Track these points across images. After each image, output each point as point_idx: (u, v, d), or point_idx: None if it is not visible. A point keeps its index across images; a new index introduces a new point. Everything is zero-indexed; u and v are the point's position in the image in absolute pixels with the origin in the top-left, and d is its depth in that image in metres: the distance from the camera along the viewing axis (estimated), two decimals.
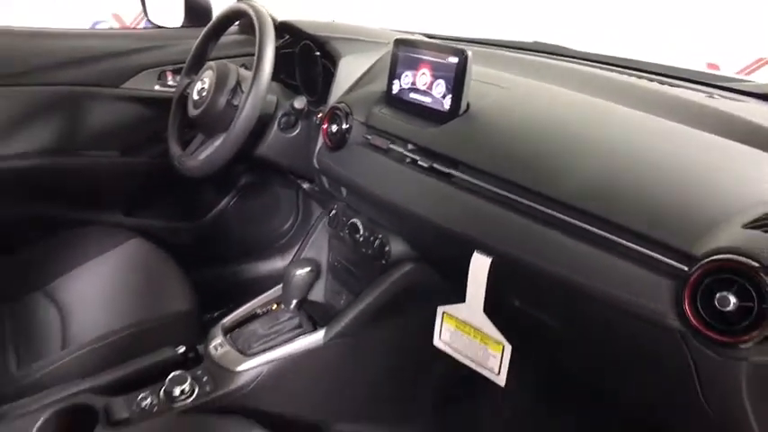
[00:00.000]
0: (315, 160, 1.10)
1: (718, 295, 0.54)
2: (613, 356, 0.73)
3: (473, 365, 0.86)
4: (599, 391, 0.85)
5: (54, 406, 0.90)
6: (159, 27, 1.59)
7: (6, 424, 0.88)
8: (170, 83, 1.48)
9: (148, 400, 0.91)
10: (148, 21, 1.62)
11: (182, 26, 1.57)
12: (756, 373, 0.55)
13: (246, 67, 1.21)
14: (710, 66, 2.40)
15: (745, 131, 0.72)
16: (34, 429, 0.85)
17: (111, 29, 1.56)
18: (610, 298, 0.63)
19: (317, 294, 1.15)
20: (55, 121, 1.42)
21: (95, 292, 1.18)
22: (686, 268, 0.58)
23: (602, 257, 0.65)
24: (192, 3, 1.56)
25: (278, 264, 1.73)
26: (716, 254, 0.56)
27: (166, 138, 1.29)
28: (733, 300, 0.54)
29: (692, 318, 0.56)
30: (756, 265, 0.53)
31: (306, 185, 1.41)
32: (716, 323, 0.55)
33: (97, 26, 3.14)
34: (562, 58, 1.17)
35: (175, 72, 1.49)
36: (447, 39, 1.41)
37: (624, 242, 0.63)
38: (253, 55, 1.48)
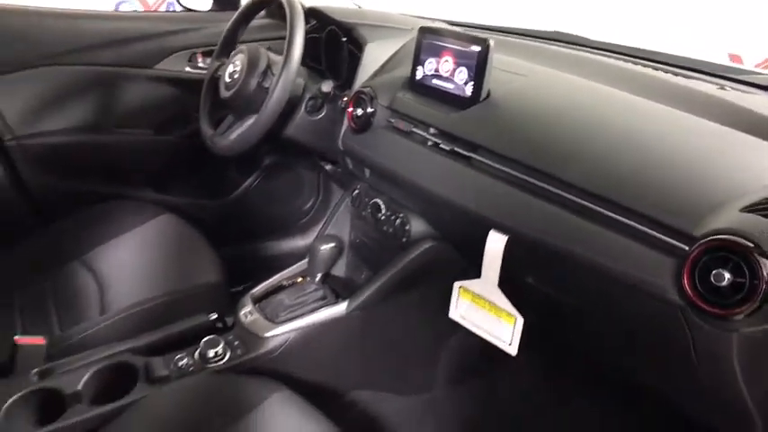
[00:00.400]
0: (340, 142, 1.16)
1: (714, 272, 0.60)
2: (617, 328, 0.79)
3: (486, 336, 0.92)
4: (603, 361, 0.90)
5: (98, 364, 0.97)
6: (189, 10, 1.65)
7: (54, 379, 0.96)
8: (200, 65, 1.54)
9: (185, 360, 0.98)
10: (179, 3, 1.67)
11: (210, 10, 1.62)
12: (746, 342, 0.60)
13: (272, 50, 1.27)
14: (732, 56, 2.40)
15: (750, 122, 0.76)
16: (80, 384, 0.93)
17: (145, 12, 1.62)
18: (616, 274, 0.69)
19: (339, 269, 1.22)
20: (91, 99, 1.49)
21: (130, 262, 1.25)
22: (687, 247, 0.63)
23: (610, 237, 0.70)
24: None
25: (299, 242, 1.80)
26: (714, 234, 0.61)
27: (196, 117, 1.35)
28: (727, 276, 0.59)
29: (690, 292, 0.62)
30: (750, 244, 0.58)
31: (328, 167, 1.47)
32: (711, 297, 0.60)
33: (120, 6, 3.21)
34: (580, 47, 1.21)
35: (205, 54, 1.55)
36: (469, 26, 1.46)
37: (631, 223, 0.69)
38: (278, 39, 1.54)
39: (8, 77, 1.40)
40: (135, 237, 1.31)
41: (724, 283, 0.59)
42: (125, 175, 1.58)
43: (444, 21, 1.47)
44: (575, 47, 1.22)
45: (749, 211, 0.61)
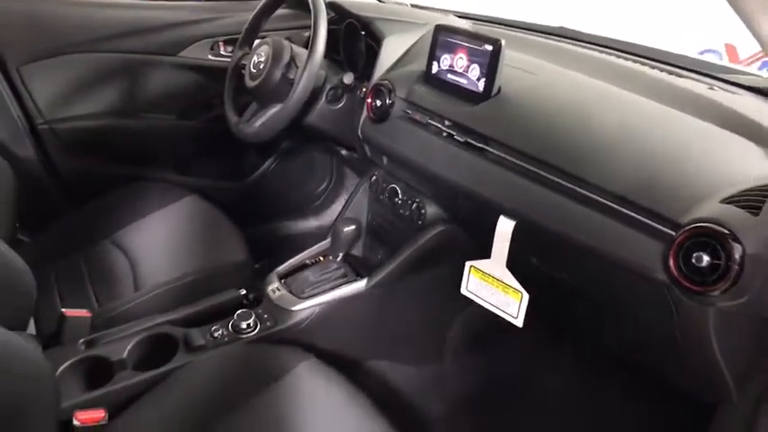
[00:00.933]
0: (359, 131, 1.24)
1: (695, 255, 0.70)
2: (611, 303, 0.89)
3: (495, 310, 1.02)
4: (598, 333, 1.01)
5: (140, 334, 1.07)
6: None
7: (100, 348, 1.05)
8: (222, 52, 1.62)
9: (220, 331, 1.08)
10: None
11: None
12: (721, 315, 0.70)
13: (293, 41, 1.35)
14: (728, 46, 2.47)
15: (733, 121, 0.85)
16: (125, 352, 1.02)
17: (169, 1, 1.69)
18: (611, 256, 0.79)
19: (357, 249, 1.32)
20: (119, 85, 1.56)
21: (159, 241, 1.34)
22: (673, 233, 0.73)
23: (607, 222, 0.80)
24: None
25: (312, 222, 1.89)
26: (697, 222, 0.70)
27: (217, 103, 1.42)
28: (706, 258, 0.69)
29: (675, 272, 0.71)
30: (727, 231, 0.67)
31: (344, 152, 1.55)
32: (693, 276, 0.70)
33: None
34: (583, 44, 1.29)
35: (226, 43, 1.62)
36: (478, 19, 1.52)
37: (625, 210, 0.78)
38: (297, 28, 1.62)
39: (40, 63, 1.47)
40: (162, 217, 1.40)
41: (703, 264, 0.69)
42: (150, 158, 1.67)
43: (455, 12, 1.54)
44: (578, 43, 1.30)
45: (728, 203, 0.71)
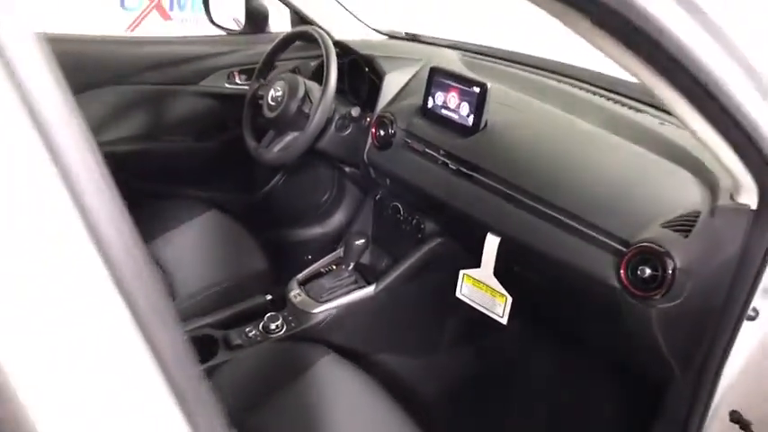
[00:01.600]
0: (365, 157, 1.43)
1: (640, 267, 0.89)
2: (575, 303, 1.09)
3: (484, 311, 1.22)
4: (567, 327, 1.21)
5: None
6: (221, 27, 1.88)
7: None
8: (237, 81, 1.80)
9: (253, 332, 1.27)
10: (212, 23, 1.91)
11: (242, 32, 1.87)
12: (661, 314, 0.90)
13: (300, 70, 1.52)
14: None
15: (678, 154, 1.04)
16: None
17: (190, 36, 1.86)
18: (575, 266, 0.99)
19: (365, 258, 1.51)
20: (144, 113, 1.74)
21: (187, 253, 1.51)
22: (624, 249, 0.92)
23: (573, 240, 1.00)
24: (251, 10, 1.85)
25: (317, 230, 2.07)
26: (642, 242, 0.90)
27: (232, 126, 1.59)
28: (648, 270, 0.89)
29: (624, 281, 0.91)
30: (663, 250, 0.87)
31: (347, 169, 1.74)
32: (638, 284, 0.90)
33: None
34: (559, 76, 1.46)
35: (240, 73, 1.80)
36: (468, 50, 1.69)
37: (587, 231, 0.98)
38: (304, 58, 1.80)
39: (77, 97, 1.63)
40: (188, 230, 1.56)
41: (646, 275, 0.89)
42: (173, 177, 1.84)
43: (446, 43, 1.72)
44: (554, 76, 1.48)
45: (666, 227, 0.91)
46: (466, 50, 1.70)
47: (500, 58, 1.66)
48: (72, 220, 0.31)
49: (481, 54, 1.69)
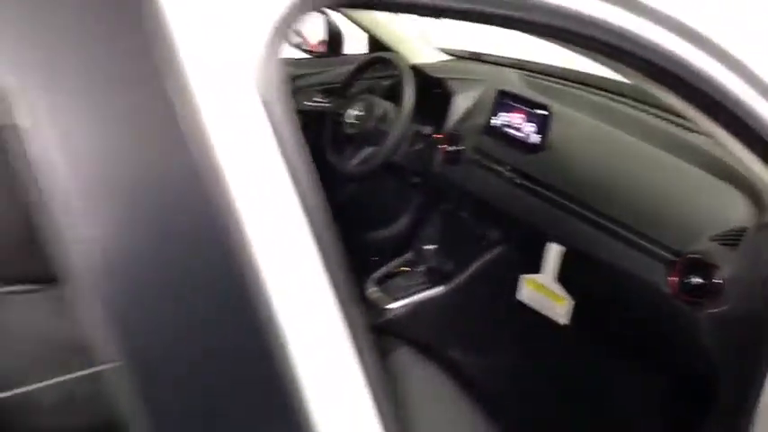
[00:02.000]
0: (435, 169, 1.59)
1: (690, 276, 1.01)
2: (630, 308, 1.20)
3: (544, 312, 1.35)
4: (622, 331, 1.32)
5: None
6: (309, 52, 2.08)
7: None
8: (316, 99, 1.98)
9: None
10: (301, 49, 2.11)
11: (323, 54, 2.05)
12: (709, 318, 1.01)
13: (374, 89, 1.68)
14: None
15: (729, 173, 1.13)
16: None
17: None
18: (630, 273, 1.11)
19: (433, 262, 1.66)
20: None
21: None
22: (676, 259, 1.04)
23: (629, 250, 1.12)
24: (332, 36, 2.04)
25: (383, 234, 2.24)
26: (692, 254, 1.02)
27: (312, 140, 1.76)
28: (697, 279, 1.00)
29: (675, 287, 1.03)
30: (711, 262, 0.99)
31: (415, 180, 1.90)
32: (687, 291, 1.01)
33: None
34: (619, 96, 1.55)
35: (319, 92, 1.98)
36: (530, 69, 1.81)
37: (642, 242, 1.10)
38: (377, 78, 1.96)
39: None
40: None
41: (695, 283, 1.00)
42: None
43: (508, 62, 1.84)
44: (614, 96, 1.57)
45: (714, 240, 1.02)
46: (525, 69, 1.82)
47: (558, 77, 1.78)
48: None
49: (540, 73, 1.81)
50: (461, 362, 1.53)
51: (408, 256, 1.65)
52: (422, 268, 1.59)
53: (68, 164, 0.38)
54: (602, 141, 1.35)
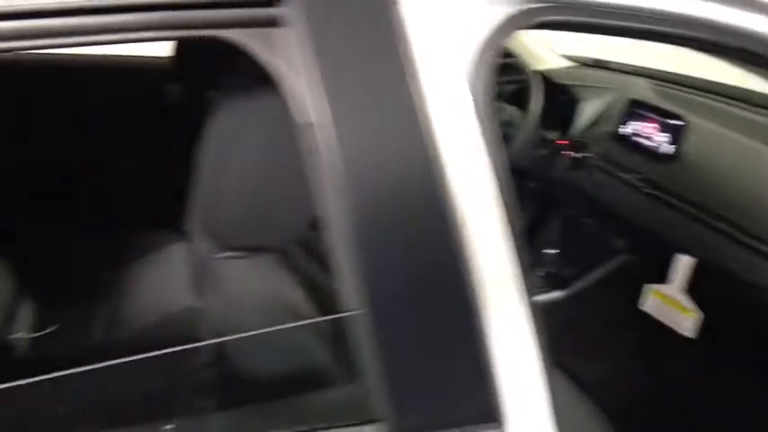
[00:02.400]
0: (558, 175, 1.61)
1: None
2: (760, 323, 1.17)
3: (670, 324, 1.33)
4: (749, 347, 1.28)
5: None
6: None
7: None
8: None
9: None
10: None
11: None
12: None
13: (498, 96, 1.72)
14: None
15: None
16: None
17: None
18: (763, 287, 1.08)
19: (553, 268, 1.68)
20: None
21: None
22: None
23: (763, 263, 1.09)
24: None
25: None
26: None
27: None
28: None
29: None
30: None
31: (533, 184, 1.92)
32: None
33: None
34: (751, 106, 1.49)
35: None
36: (657, 77, 1.77)
37: None
38: (503, 83, 1.99)
39: None
40: None
41: None
42: None
43: (633, 70, 1.81)
44: (744, 104, 1.50)
45: None
46: (653, 77, 1.78)
47: (690, 86, 1.73)
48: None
49: (667, 81, 1.77)
50: (575, 368, 1.54)
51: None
52: (541, 272, 1.62)
53: (343, 153, 0.52)
54: (740, 154, 1.31)
